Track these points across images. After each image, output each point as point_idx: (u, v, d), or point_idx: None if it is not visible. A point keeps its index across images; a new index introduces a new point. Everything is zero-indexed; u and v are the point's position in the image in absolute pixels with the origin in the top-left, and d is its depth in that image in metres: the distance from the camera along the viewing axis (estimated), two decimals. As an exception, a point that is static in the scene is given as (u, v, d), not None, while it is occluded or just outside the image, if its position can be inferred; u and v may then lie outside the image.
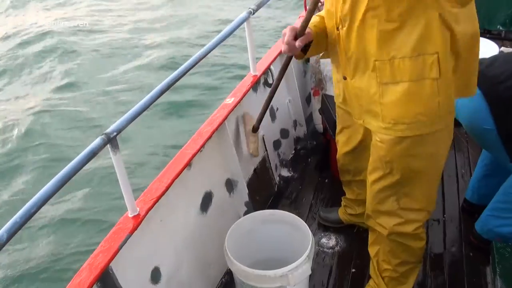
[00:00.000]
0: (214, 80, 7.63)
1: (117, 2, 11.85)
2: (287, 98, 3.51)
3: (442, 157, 1.93)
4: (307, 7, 2.11)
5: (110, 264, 1.73)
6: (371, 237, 2.25)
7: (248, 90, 2.80)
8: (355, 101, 1.91)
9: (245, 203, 2.76)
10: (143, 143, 5.85)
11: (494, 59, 2.25)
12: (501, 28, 4.98)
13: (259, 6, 2.84)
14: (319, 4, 1.99)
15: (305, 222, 2.23)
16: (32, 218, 1.41)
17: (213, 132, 2.40)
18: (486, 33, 4.86)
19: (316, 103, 3.64)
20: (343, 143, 2.36)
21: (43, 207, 1.46)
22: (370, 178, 2.04)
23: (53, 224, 4.64)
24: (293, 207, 3.09)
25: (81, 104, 7.05)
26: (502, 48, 4.35)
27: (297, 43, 1.86)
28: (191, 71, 2.26)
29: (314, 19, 1.98)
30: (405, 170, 1.89)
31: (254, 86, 2.98)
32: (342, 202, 2.81)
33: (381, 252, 2.19)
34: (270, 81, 3.13)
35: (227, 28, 2.57)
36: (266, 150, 3.17)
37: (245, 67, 6.52)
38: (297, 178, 3.37)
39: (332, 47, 1.94)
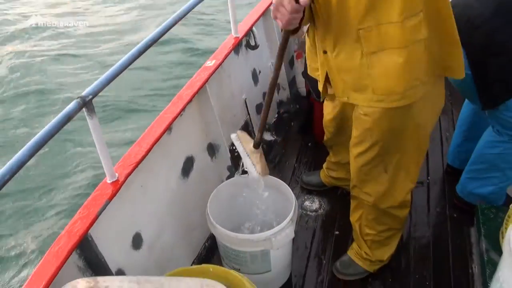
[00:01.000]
0: (195, 41, 7.51)
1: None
2: (269, 61, 3.45)
3: (432, 124, 1.91)
4: None
5: (89, 231, 1.70)
6: (352, 204, 2.24)
7: (229, 53, 2.73)
8: (338, 77, 1.79)
9: (228, 168, 2.73)
10: (120, 107, 5.75)
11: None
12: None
13: None
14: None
15: (288, 185, 2.22)
16: (6, 185, 1.37)
17: (193, 96, 2.35)
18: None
19: (299, 66, 3.59)
20: (329, 110, 2.32)
21: (17, 174, 1.41)
22: (355, 151, 1.98)
23: (26, 191, 4.58)
24: (276, 170, 3.07)
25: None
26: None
27: (302, 1, 1.51)
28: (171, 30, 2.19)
29: None
30: (392, 141, 1.86)
31: (236, 48, 2.91)
32: (324, 165, 2.80)
33: (364, 218, 2.19)
34: (252, 43, 3.06)
35: None
36: (249, 114, 3.12)
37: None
38: (280, 142, 3.34)
39: (310, 20, 1.79)
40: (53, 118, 1.56)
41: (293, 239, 2.12)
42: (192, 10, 2.39)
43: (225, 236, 2.02)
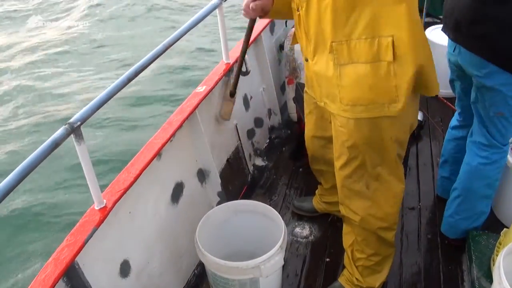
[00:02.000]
0: (185, 68, 7.55)
1: None
2: (261, 86, 3.47)
3: (404, 139, 1.93)
4: None
5: (76, 259, 1.67)
6: (345, 228, 2.24)
7: (220, 78, 2.74)
8: (316, 83, 1.90)
9: (218, 194, 2.72)
10: (109, 134, 5.75)
11: None
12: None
13: None
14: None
15: (279, 211, 2.22)
16: None
17: (183, 121, 2.34)
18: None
19: (290, 92, 3.60)
20: (311, 126, 2.35)
21: (2, 202, 1.39)
22: (337, 164, 2.02)
23: (14, 219, 4.52)
24: (267, 196, 3.06)
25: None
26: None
27: (251, 5, 1.99)
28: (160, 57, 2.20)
29: None
30: (368, 153, 1.88)
31: (227, 74, 2.93)
32: (317, 191, 2.80)
33: (355, 242, 2.18)
34: (243, 69, 3.07)
35: (198, 14, 2.51)
36: (240, 140, 3.12)
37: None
38: (271, 168, 3.34)
39: (296, 28, 1.95)
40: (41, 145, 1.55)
41: (283, 266, 2.10)
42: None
43: (214, 263, 1.99)
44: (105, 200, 1.83)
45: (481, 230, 2.48)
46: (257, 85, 3.40)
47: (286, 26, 3.92)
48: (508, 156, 2.48)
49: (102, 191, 1.84)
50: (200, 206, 2.58)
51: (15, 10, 11.09)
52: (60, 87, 7.19)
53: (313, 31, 1.76)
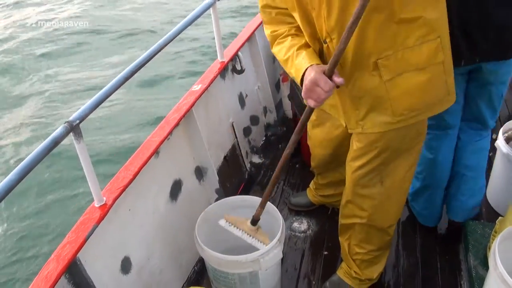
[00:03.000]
0: (181, 66, 7.57)
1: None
2: (256, 84, 3.50)
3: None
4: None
5: (78, 255, 1.70)
6: (341, 222, 2.26)
7: (215, 77, 2.77)
8: (351, 110, 1.80)
9: (216, 190, 2.74)
10: (108, 132, 5.76)
11: None
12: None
13: None
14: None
15: (277, 207, 2.24)
16: None
17: (180, 119, 2.37)
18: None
19: (285, 90, 3.63)
20: (320, 136, 2.31)
21: (3, 201, 1.42)
22: (354, 164, 1.98)
23: (16, 218, 4.55)
24: (265, 192, 3.08)
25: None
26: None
27: (338, 80, 1.59)
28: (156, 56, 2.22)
29: (309, 52, 1.73)
30: (395, 153, 1.89)
31: (222, 72, 2.95)
32: (310, 185, 2.83)
33: (353, 237, 2.20)
34: (238, 67, 3.10)
35: (192, 14, 2.54)
36: (236, 138, 3.15)
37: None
38: (268, 164, 3.36)
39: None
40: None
41: (282, 260, 2.13)
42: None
43: (213, 258, 2.02)
44: (105, 198, 1.85)
45: (476, 219, 2.52)
46: (252, 83, 3.43)
47: None
48: (501, 145, 2.52)
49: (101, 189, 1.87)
50: (199, 203, 2.60)
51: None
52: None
53: (351, 55, 1.63)
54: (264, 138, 3.59)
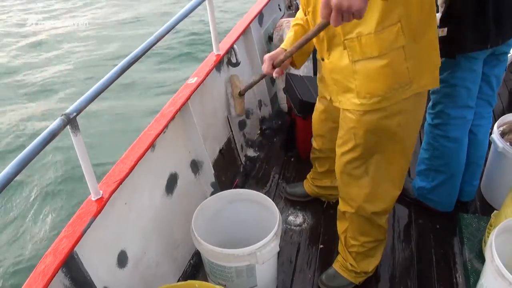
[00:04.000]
0: (177, 59, 7.55)
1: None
2: (251, 78, 3.48)
3: (412, 129, 1.95)
4: (288, 34, 2.16)
5: (75, 249, 1.69)
6: (339, 214, 2.27)
7: (211, 70, 2.76)
8: (332, 82, 1.93)
9: (211, 184, 2.74)
10: (104, 124, 5.74)
11: None
12: None
13: None
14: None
15: (272, 200, 2.23)
16: None
17: (176, 113, 2.36)
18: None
19: (280, 83, 3.62)
20: (321, 109, 2.38)
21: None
22: (339, 150, 2.04)
23: (12, 211, 4.53)
24: (260, 186, 3.09)
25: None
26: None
27: (274, 74, 2.14)
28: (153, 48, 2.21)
29: (290, 37, 2.13)
30: (374, 142, 1.90)
31: (218, 65, 2.94)
32: (308, 175, 2.84)
33: (349, 229, 2.21)
34: (233, 60, 3.09)
35: (188, 6, 2.52)
36: (231, 131, 3.14)
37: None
38: (263, 158, 3.36)
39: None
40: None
41: (278, 254, 2.13)
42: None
43: (210, 251, 2.01)
44: (101, 191, 1.84)
45: (471, 213, 2.53)
46: (247, 76, 3.41)
47: (280, 10, 3.98)
48: (496, 139, 2.53)
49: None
50: (194, 196, 2.60)
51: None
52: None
53: (326, 32, 1.78)
54: (259, 132, 3.58)
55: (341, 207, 2.21)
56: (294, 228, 2.73)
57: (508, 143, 2.52)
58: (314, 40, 1.89)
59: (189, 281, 1.82)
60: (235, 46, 3.06)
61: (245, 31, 3.31)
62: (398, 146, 1.94)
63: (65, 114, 1.62)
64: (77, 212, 1.79)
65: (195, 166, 2.67)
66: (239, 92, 2.92)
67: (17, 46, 8.91)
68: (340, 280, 2.32)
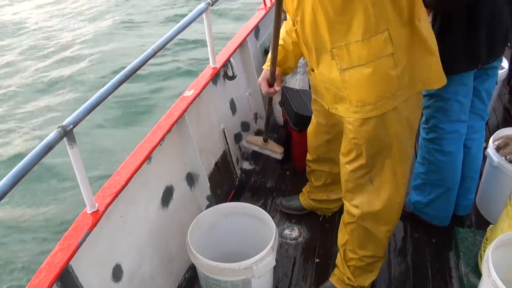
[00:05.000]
0: (173, 72, 7.57)
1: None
2: (247, 91, 3.50)
3: (409, 135, 1.95)
4: (269, 55, 2.19)
5: (70, 263, 1.67)
6: (341, 226, 2.26)
7: (207, 83, 2.76)
8: (325, 92, 1.94)
9: (207, 197, 2.73)
10: (100, 137, 5.73)
11: None
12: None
13: None
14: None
15: (268, 213, 2.22)
16: None
17: (172, 125, 2.36)
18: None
19: (276, 96, 3.62)
20: (316, 121, 2.39)
21: None
22: (344, 159, 2.05)
23: (7, 224, 4.49)
24: (255, 199, 3.08)
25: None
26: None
27: (275, 90, 2.24)
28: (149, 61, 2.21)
29: (269, 58, 2.20)
30: (375, 151, 1.91)
31: (214, 78, 2.95)
32: (304, 189, 2.83)
33: (349, 242, 2.20)
34: (230, 73, 3.10)
35: (185, 19, 2.53)
36: (227, 144, 3.14)
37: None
38: (259, 171, 3.35)
39: (299, 42, 1.99)
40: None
41: (274, 267, 2.11)
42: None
43: (206, 265, 2.00)
44: (97, 204, 1.83)
45: (467, 228, 2.53)
46: (243, 89, 3.42)
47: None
48: (492, 153, 2.54)
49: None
50: (190, 209, 2.59)
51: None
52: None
53: (311, 41, 1.81)
54: None
55: (345, 217, 2.18)
56: (290, 242, 2.72)
57: (503, 158, 2.53)
58: (304, 51, 1.96)
59: (184, 295, 1.81)
60: (231, 59, 3.07)
61: (242, 45, 3.33)
62: (398, 153, 1.94)
63: (61, 126, 1.62)
64: (72, 225, 1.77)
65: (191, 179, 2.66)
66: (263, 139, 3.16)
67: None
68: (337, 294, 2.31)
